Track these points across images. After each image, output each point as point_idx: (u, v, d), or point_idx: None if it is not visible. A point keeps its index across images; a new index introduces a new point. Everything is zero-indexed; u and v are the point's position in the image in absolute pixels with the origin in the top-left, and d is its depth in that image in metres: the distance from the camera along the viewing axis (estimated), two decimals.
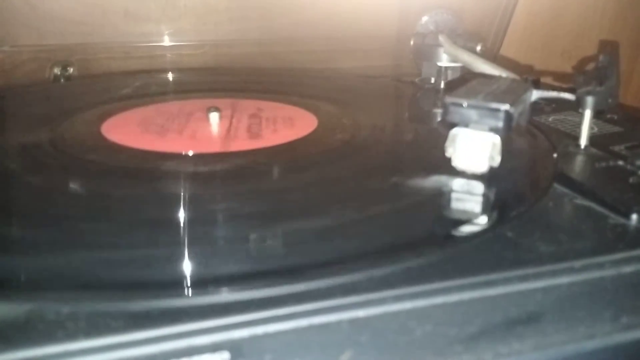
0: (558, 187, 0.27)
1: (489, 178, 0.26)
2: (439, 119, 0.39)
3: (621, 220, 0.24)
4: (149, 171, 0.29)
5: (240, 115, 0.38)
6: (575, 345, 0.17)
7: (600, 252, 0.21)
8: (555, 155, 0.30)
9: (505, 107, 0.25)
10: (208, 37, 0.52)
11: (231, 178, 0.28)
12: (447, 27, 0.52)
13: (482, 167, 0.26)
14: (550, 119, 0.38)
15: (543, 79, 0.46)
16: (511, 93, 0.27)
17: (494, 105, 0.25)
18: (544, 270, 0.20)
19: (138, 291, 0.17)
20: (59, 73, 0.49)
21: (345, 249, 0.21)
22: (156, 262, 0.20)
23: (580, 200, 0.26)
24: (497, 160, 0.26)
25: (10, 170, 0.30)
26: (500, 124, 0.25)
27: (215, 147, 0.32)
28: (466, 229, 0.22)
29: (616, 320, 0.18)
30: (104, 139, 0.33)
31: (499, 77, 0.32)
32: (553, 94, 0.31)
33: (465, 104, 0.25)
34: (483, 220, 0.24)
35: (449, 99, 0.26)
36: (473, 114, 0.25)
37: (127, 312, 0.17)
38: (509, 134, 0.26)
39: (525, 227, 0.23)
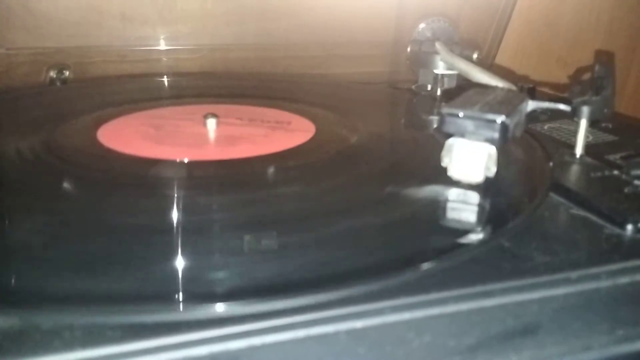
0: (554, 197, 0.27)
1: (485, 188, 0.26)
2: (435, 126, 0.39)
3: (616, 230, 0.24)
4: (145, 179, 0.29)
5: (237, 121, 0.38)
6: (571, 357, 0.17)
7: (596, 263, 0.21)
8: (550, 164, 0.30)
9: (501, 118, 0.25)
10: (205, 41, 0.52)
11: (227, 187, 0.28)
12: (443, 34, 0.52)
13: (478, 177, 0.26)
14: (545, 127, 0.38)
15: (538, 87, 0.46)
16: (507, 104, 0.27)
17: (490, 116, 0.25)
18: (540, 281, 0.20)
19: (135, 302, 0.17)
20: (55, 76, 0.49)
21: (341, 260, 0.21)
22: (154, 273, 0.20)
23: (576, 210, 0.26)
24: (492, 171, 0.26)
25: (4, 175, 0.30)
26: (496, 135, 0.25)
27: (211, 155, 0.32)
28: (462, 240, 0.23)
29: (612, 332, 0.18)
30: (100, 145, 0.33)
31: (496, 87, 0.32)
32: (549, 104, 0.31)
33: (461, 114, 0.25)
34: (479, 230, 0.24)
35: (445, 110, 0.26)
36: (469, 125, 0.25)
37: (124, 323, 0.17)
38: (504, 144, 0.26)
39: (521, 237, 0.23)
